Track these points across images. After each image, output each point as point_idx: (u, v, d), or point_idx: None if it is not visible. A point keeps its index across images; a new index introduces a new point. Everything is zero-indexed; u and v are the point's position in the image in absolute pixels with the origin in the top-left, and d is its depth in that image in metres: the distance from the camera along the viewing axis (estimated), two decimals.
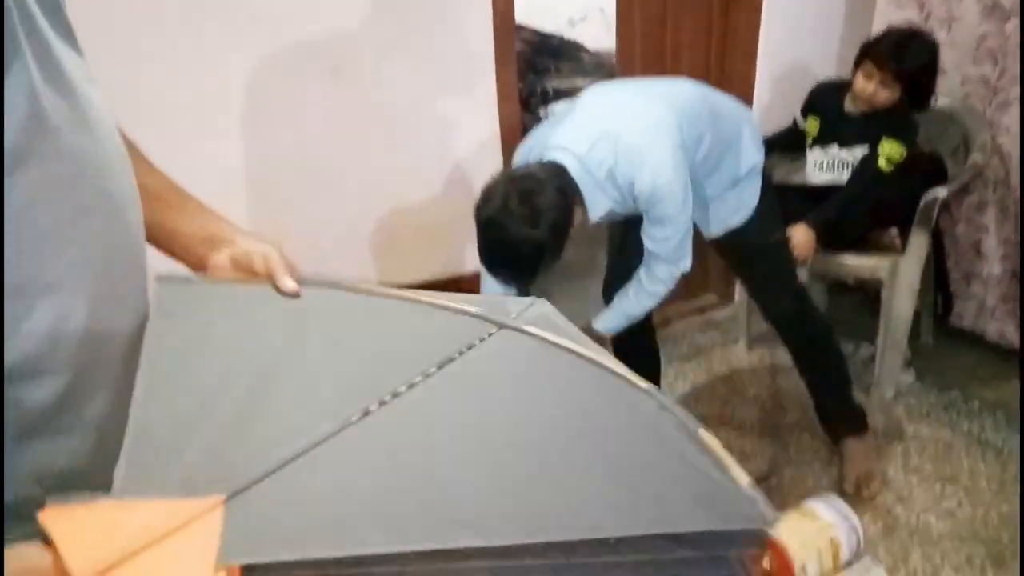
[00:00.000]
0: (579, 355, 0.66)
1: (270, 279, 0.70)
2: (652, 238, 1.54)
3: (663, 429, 0.59)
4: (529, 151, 1.55)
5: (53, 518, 0.44)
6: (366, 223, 1.98)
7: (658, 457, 0.56)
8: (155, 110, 1.57)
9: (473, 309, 0.72)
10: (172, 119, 1.62)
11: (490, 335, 0.68)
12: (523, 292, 1.79)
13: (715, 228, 1.70)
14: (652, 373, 2.04)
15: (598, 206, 1.47)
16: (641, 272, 1.60)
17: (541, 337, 0.69)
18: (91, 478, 0.59)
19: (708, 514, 0.50)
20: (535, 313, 0.75)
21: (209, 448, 0.50)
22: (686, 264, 1.57)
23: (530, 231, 1.32)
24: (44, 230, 0.53)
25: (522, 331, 0.69)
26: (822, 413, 1.89)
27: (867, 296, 2.51)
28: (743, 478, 0.52)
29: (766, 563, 1.43)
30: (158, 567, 0.42)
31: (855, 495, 1.75)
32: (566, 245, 1.42)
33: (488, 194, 1.37)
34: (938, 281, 2.42)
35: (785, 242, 1.85)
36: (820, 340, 1.81)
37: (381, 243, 2.01)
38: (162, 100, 1.60)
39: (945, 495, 1.78)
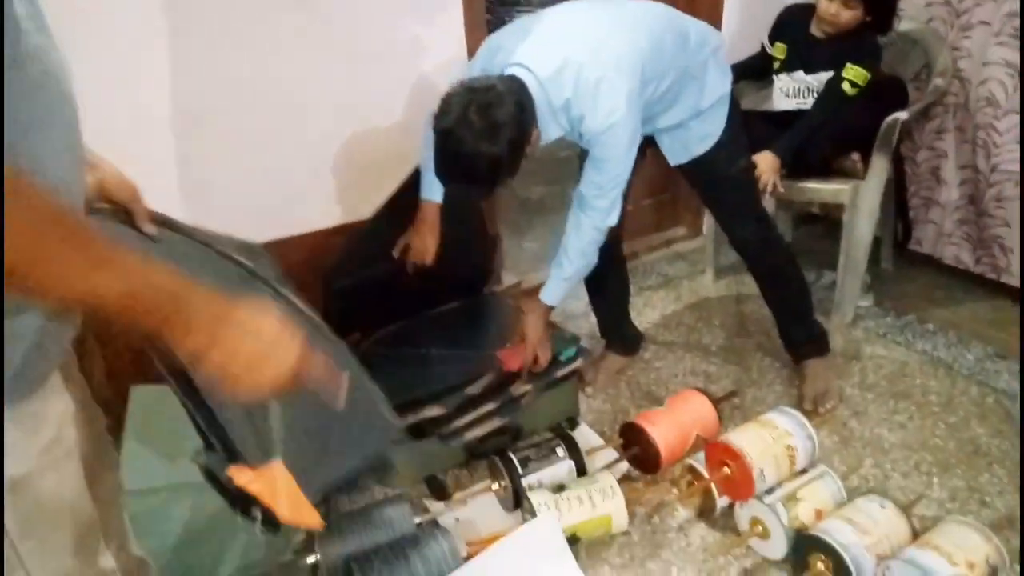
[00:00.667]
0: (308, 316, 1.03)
1: (127, 212, 0.86)
2: (588, 180, 1.54)
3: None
4: (491, 56, 1.52)
5: (242, 477, 0.81)
6: (330, 156, 1.95)
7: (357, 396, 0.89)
8: (100, 35, 1.52)
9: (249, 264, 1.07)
10: (121, 46, 1.57)
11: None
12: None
13: (680, 156, 1.71)
14: (621, 302, 2.08)
15: (549, 131, 1.47)
16: (568, 230, 1.60)
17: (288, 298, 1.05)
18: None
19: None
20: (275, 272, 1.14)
21: (247, 424, 0.82)
22: (613, 218, 1.58)
23: (488, 146, 1.31)
24: (25, 128, 0.57)
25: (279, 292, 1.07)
26: (785, 336, 1.95)
27: (831, 226, 2.56)
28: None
29: (727, 470, 1.50)
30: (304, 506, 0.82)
31: (813, 412, 1.83)
32: (521, 163, 1.41)
33: (447, 104, 1.34)
34: (899, 207, 2.47)
35: (751, 170, 1.87)
36: (783, 266, 1.86)
37: (347, 176, 1.99)
38: (109, 23, 1.54)
39: (897, 410, 1.86)
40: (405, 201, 1.81)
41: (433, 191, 1.73)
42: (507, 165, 1.37)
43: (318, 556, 1.41)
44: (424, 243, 1.76)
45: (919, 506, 1.53)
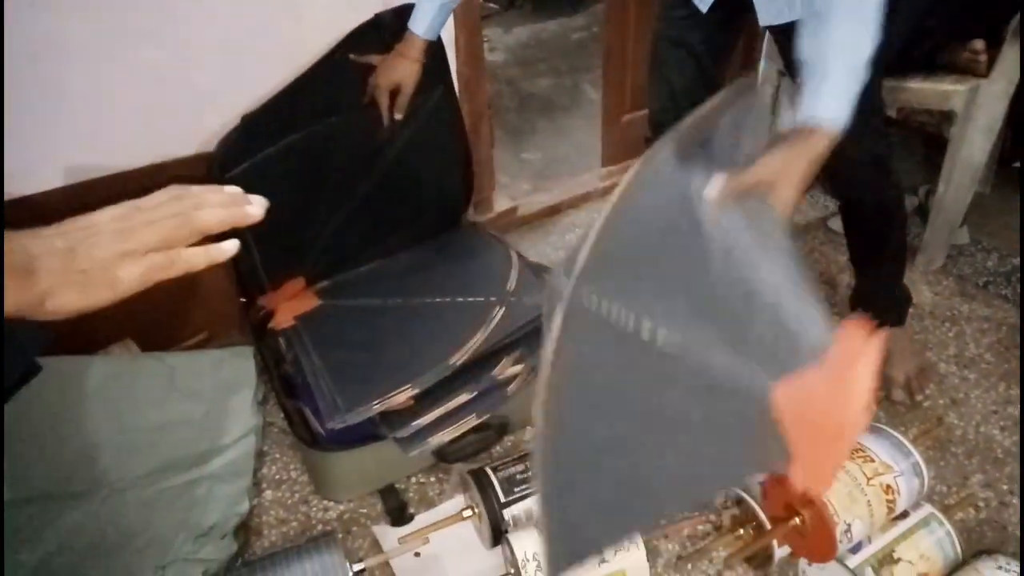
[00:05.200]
0: None
1: None
2: None
3: None
4: None
5: None
6: None
7: None
8: None
9: None
10: None
11: None
12: None
13: (778, 13, 1.12)
14: None
15: None
16: (808, 48, 0.87)
17: None
18: None
19: None
20: None
21: None
22: None
23: None
24: None
25: None
26: (863, 298, 1.45)
27: (912, 133, 2.01)
28: None
29: (798, 519, 1.06)
30: None
31: (906, 401, 1.37)
32: None
33: None
34: (1010, 112, 1.90)
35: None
36: (892, 212, 1.33)
37: None
38: None
39: (1010, 398, 1.40)
40: (342, 60, 1.38)
41: (424, 22, 1.29)
42: None
43: None
44: (395, 74, 1.34)
45: None
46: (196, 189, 0.52)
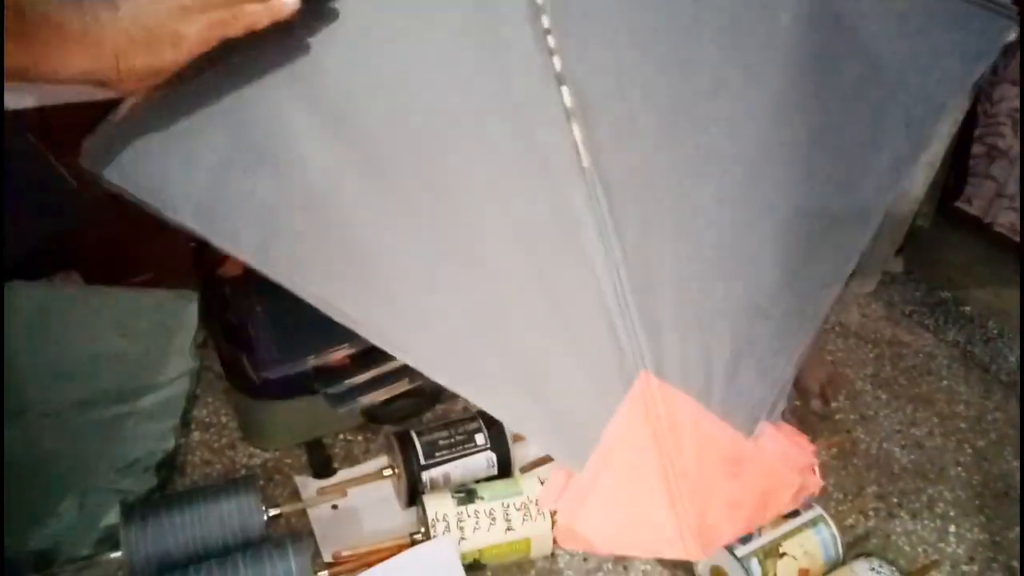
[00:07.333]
0: None
1: None
2: None
3: None
4: None
5: None
6: None
7: None
8: None
9: None
10: None
11: None
12: None
13: None
14: None
15: None
16: None
17: None
18: None
19: None
20: None
21: None
22: None
23: None
24: None
25: None
26: None
27: None
28: None
29: None
30: None
31: (821, 411, 1.44)
32: None
33: None
34: (955, 152, 1.99)
35: None
36: None
37: None
38: None
39: (915, 420, 1.49)
40: None
41: None
42: None
43: (122, 553, 1.05)
44: None
45: (931, 573, 1.19)
46: None
